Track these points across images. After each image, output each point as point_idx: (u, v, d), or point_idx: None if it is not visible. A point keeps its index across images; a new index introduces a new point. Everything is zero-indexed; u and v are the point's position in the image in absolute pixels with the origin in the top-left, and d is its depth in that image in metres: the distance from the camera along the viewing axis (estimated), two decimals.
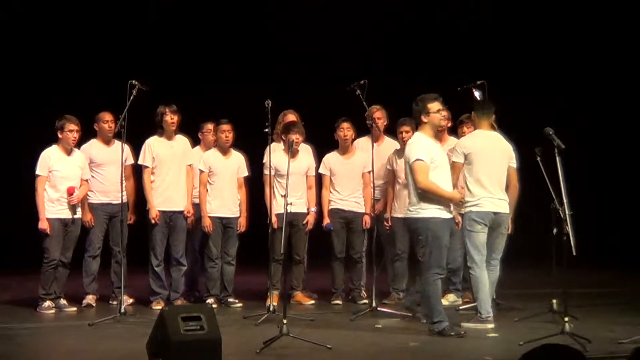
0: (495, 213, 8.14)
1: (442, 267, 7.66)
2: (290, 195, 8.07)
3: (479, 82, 8.99)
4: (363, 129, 9.72)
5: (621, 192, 13.23)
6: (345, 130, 9.64)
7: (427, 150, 7.63)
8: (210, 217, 9.34)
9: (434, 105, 7.70)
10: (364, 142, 9.75)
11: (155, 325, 6.45)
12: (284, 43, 13.05)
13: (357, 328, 8.24)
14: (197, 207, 9.43)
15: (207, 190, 9.39)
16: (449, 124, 9.68)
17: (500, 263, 8.26)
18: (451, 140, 9.62)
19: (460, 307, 9.17)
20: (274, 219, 9.02)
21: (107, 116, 9.35)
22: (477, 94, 8.92)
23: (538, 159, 8.22)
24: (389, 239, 9.74)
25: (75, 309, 9.13)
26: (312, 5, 13.10)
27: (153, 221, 9.20)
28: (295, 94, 11.55)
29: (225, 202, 9.39)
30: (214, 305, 8.58)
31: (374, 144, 9.37)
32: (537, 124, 8.04)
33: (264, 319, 8.27)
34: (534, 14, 13.21)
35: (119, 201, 8.92)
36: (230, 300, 9.40)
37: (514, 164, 8.31)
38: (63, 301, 9.08)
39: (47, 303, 8.94)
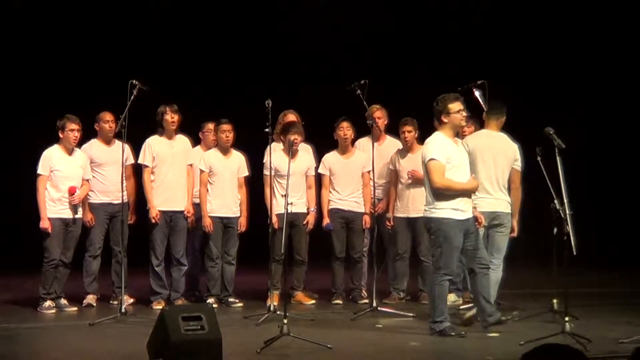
0: (492, 212, 8.15)
1: (451, 268, 7.63)
2: (290, 196, 8.08)
3: (479, 82, 9.00)
4: (363, 128, 9.72)
5: (621, 192, 13.22)
6: (345, 129, 9.64)
7: (443, 150, 7.61)
8: (210, 216, 9.34)
9: (455, 106, 7.67)
10: (365, 142, 9.76)
11: (155, 325, 6.45)
12: (284, 43, 13.04)
13: (358, 328, 8.25)
14: (197, 206, 9.43)
15: (207, 190, 9.39)
16: None
17: (503, 263, 8.25)
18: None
19: (461, 307, 9.17)
20: (274, 219, 9.02)
21: (107, 116, 9.35)
22: (477, 93, 8.92)
23: (538, 158, 8.20)
24: (391, 239, 9.75)
25: (75, 308, 9.13)
26: (312, 5, 13.09)
27: (153, 221, 9.20)
28: (295, 94, 11.54)
29: (226, 202, 9.39)
30: (215, 305, 8.58)
31: (376, 144, 9.39)
32: (537, 123, 8.04)
33: (264, 318, 8.27)
34: (534, 13, 13.20)
35: (120, 201, 8.93)
36: (231, 300, 9.40)
37: (517, 166, 8.30)
38: (63, 301, 9.08)
39: (48, 303, 8.94)
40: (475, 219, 7.82)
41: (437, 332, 7.60)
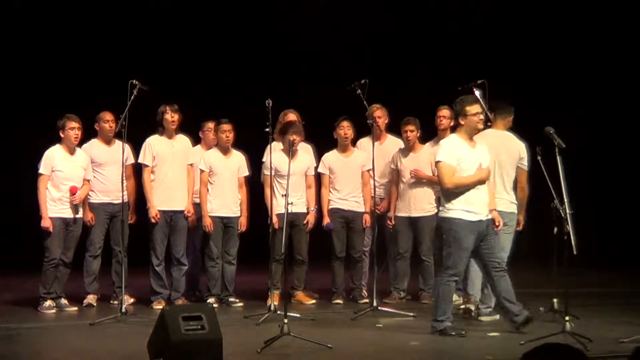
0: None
1: (459, 269, 7.61)
2: (290, 196, 8.08)
3: (479, 82, 9.00)
4: (364, 128, 9.72)
5: (621, 191, 13.22)
6: (346, 129, 9.64)
7: (453, 152, 7.61)
8: (210, 216, 9.34)
9: (472, 108, 7.65)
10: (366, 142, 9.75)
11: (156, 325, 6.45)
12: (284, 43, 13.04)
13: (358, 327, 8.25)
14: (197, 206, 9.43)
15: (207, 189, 9.39)
16: (452, 123, 9.69)
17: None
18: None
19: (461, 307, 9.17)
20: (274, 219, 9.02)
21: (107, 116, 9.35)
22: (477, 93, 8.92)
23: (539, 158, 8.21)
24: (392, 238, 9.75)
25: (76, 308, 9.13)
26: (312, 5, 13.09)
27: (153, 220, 9.20)
28: (295, 94, 11.54)
29: (226, 201, 9.39)
30: (215, 305, 8.58)
31: (377, 143, 9.41)
32: (537, 123, 8.04)
33: (264, 318, 8.27)
34: (534, 13, 13.20)
35: (120, 201, 8.93)
36: (231, 299, 9.40)
37: (523, 165, 8.28)
38: (64, 301, 9.08)
39: (48, 302, 8.94)
40: (493, 221, 7.76)
41: (437, 330, 7.60)
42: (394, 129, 9.93)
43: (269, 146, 8.93)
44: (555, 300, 8.45)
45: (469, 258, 7.68)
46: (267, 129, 8.50)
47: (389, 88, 11.20)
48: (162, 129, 9.34)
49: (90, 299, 9.33)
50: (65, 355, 7.26)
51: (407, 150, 9.65)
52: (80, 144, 9.23)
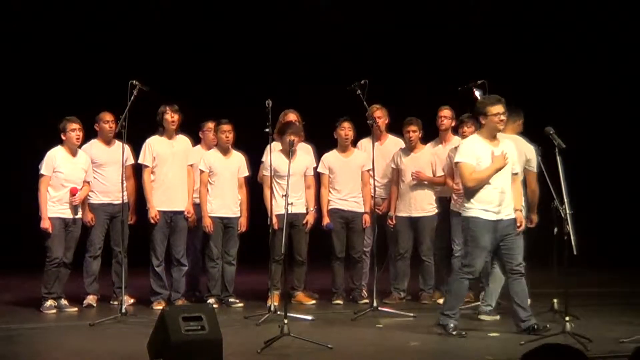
0: None
1: (475, 268, 7.60)
2: (290, 196, 8.08)
3: (479, 82, 9.00)
4: (364, 128, 9.72)
5: (622, 191, 13.22)
6: (347, 130, 9.63)
7: (472, 152, 7.60)
8: (210, 217, 9.33)
9: (494, 109, 7.62)
10: (366, 142, 9.74)
11: (156, 325, 6.46)
12: (284, 43, 13.04)
13: (358, 328, 8.25)
14: (197, 207, 9.42)
15: (207, 190, 9.39)
16: (453, 124, 9.70)
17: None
18: (455, 139, 9.64)
19: (461, 307, 9.16)
20: (274, 220, 9.01)
21: (107, 116, 9.35)
22: (477, 93, 8.93)
23: (539, 158, 8.21)
24: (392, 238, 9.75)
25: (76, 309, 9.13)
26: (312, 5, 13.09)
27: (153, 221, 9.20)
28: (295, 94, 11.54)
29: (226, 202, 9.39)
30: (215, 305, 8.57)
31: (377, 143, 9.42)
32: (537, 123, 8.04)
33: (264, 319, 8.27)
34: (534, 13, 13.20)
35: (120, 201, 8.93)
36: (231, 300, 9.40)
37: (530, 167, 8.20)
38: (64, 301, 9.08)
39: (50, 302, 8.94)
40: (515, 221, 7.70)
41: (441, 325, 7.64)
42: (394, 129, 9.93)
43: (268, 146, 8.93)
44: (555, 300, 8.47)
45: (487, 257, 7.64)
46: (267, 129, 8.50)
47: (389, 88, 11.20)
48: (162, 129, 9.34)
49: (90, 299, 9.33)
50: (66, 355, 7.27)
51: (408, 150, 9.65)
52: (80, 145, 9.23)
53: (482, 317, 8.36)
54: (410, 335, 7.72)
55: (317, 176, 9.66)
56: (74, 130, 9.00)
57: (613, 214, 13.12)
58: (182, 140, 9.46)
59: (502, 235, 7.61)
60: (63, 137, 9.03)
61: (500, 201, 7.58)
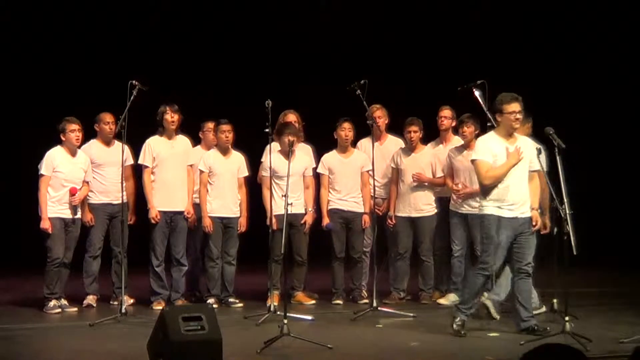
0: None
1: (490, 264, 7.56)
2: (289, 197, 8.07)
3: (479, 82, 9.00)
4: (364, 129, 9.72)
5: (621, 191, 13.22)
6: (347, 130, 9.63)
7: (488, 149, 7.60)
8: (210, 217, 9.33)
9: (509, 107, 7.59)
10: (366, 142, 9.74)
11: (156, 325, 6.46)
12: (284, 43, 13.04)
13: (358, 328, 8.25)
14: (197, 207, 9.42)
15: (207, 190, 9.39)
16: (453, 124, 9.70)
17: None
18: (455, 139, 9.64)
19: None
20: (273, 220, 9.01)
21: (108, 117, 9.34)
22: (477, 93, 8.93)
23: (539, 158, 8.19)
24: (391, 238, 9.75)
25: (76, 309, 9.12)
26: (312, 5, 13.09)
27: (153, 221, 9.20)
28: (295, 94, 11.54)
29: (226, 202, 9.38)
30: (215, 306, 8.57)
31: (377, 143, 9.42)
32: (537, 123, 8.04)
33: (264, 319, 8.27)
34: (534, 13, 13.20)
35: (120, 201, 8.92)
36: (231, 300, 9.40)
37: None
38: (64, 301, 9.07)
39: (53, 303, 8.93)
40: (530, 220, 7.65)
41: (453, 315, 7.72)
42: (394, 129, 9.93)
43: (267, 147, 8.92)
44: (555, 300, 8.47)
45: (504, 254, 7.59)
46: (267, 130, 8.49)
47: (389, 88, 11.19)
48: (162, 129, 9.34)
49: (90, 299, 9.33)
50: (66, 355, 7.27)
51: (408, 150, 9.65)
52: (80, 145, 9.22)
53: (486, 302, 8.26)
54: (410, 336, 7.72)
55: (317, 177, 9.66)
56: (73, 131, 8.99)
57: (613, 214, 13.12)
58: (182, 140, 9.46)
59: (516, 233, 7.58)
60: (62, 138, 9.03)
61: (516, 199, 7.56)
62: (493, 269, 7.67)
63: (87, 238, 9.32)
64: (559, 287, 8.19)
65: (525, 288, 7.69)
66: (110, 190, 9.25)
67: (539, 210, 7.76)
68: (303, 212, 9.43)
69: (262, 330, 7.75)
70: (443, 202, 9.63)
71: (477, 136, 9.37)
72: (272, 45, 13.01)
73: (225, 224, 9.40)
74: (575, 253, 7.22)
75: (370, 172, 9.35)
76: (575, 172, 8.34)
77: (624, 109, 13.21)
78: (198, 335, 6.30)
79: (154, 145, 9.30)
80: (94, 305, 9.31)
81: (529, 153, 7.65)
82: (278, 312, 8.22)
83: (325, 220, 9.58)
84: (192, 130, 9.82)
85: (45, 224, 8.86)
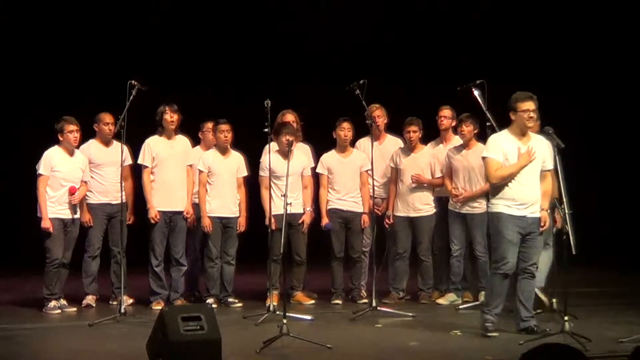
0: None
1: (503, 261, 7.48)
2: (287, 197, 8.07)
3: (478, 82, 8.99)
4: (363, 129, 9.72)
5: (621, 191, 13.22)
6: (346, 130, 9.63)
7: (499, 147, 7.54)
8: (209, 217, 9.33)
9: (523, 105, 7.52)
10: (365, 142, 9.74)
11: (155, 325, 6.46)
12: (283, 43, 13.04)
13: (357, 328, 8.24)
14: (196, 207, 9.42)
15: (206, 190, 9.39)
16: (453, 123, 9.70)
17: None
18: (455, 139, 9.63)
19: (460, 307, 9.18)
20: (272, 220, 9.00)
21: (107, 118, 9.33)
22: (476, 93, 8.92)
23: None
24: (390, 238, 9.75)
25: (75, 309, 9.12)
26: (311, 5, 13.09)
27: (153, 221, 9.20)
28: (295, 94, 11.54)
29: (225, 202, 9.38)
30: (214, 305, 8.58)
31: (376, 143, 9.41)
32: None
33: (264, 318, 8.27)
34: (534, 12, 13.20)
35: (118, 201, 8.92)
36: (230, 300, 9.39)
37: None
38: (63, 301, 9.07)
39: (53, 303, 8.92)
40: (539, 220, 7.58)
41: (481, 319, 7.67)
42: (394, 129, 9.92)
43: (266, 147, 8.92)
44: (554, 300, 8.46)
45: (516, 251, 7.50)
46: (266, 130, 8.49)
47: (389, 88, 11.19)
48: (161, 129, 9.33)
49: (90, 299, 9.32)
50: (65, 355, 7.28)
51: (408, 150, 9.65)
52: (79, 144, 9.22)
53: (538, 292, 8.22)
54: (409, 335, 7.71)
55: (316, 177, 9.65)
56: (71, 131, 8.99)
57: (613, 213, 13.11)
58: (182, 140, 9.46)
59: (525, 232, 7.52)
60: (60, 138, 9.02)
61: (525, 198, 7.49)
62: (509, 266, 7.51)
63: (86, 238, 9.32)
64: (558, 286, 8.18)
65: (528, 288, 7.66)
66: (109, 190, 9.25)
67: (548, 211, 7.70)
68: (302, 211, 9.42)
69: (261, 330, 7.75)
70: (442, 202, 9.63)
71: (476, 136, 9.41)
72: (272, 45, 13.01)
73: (224, 223, 9.39)
74: (574, 253, 7.22)
75: (370, 172, 9.34)
76: (575, 171, 8.35)
77: (624, 109, 13.20)
78: (197, 335, 6.30)
79: (153, 145, 9.30)
80: (93, 305, 9.31)
81: (542, 153, 7.56)
82: (277, 312, 8.22)
83: (325, 220, 9.58)
84: (191, 130, 9.81)
85: (46, 224, 8.86)
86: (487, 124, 8.87)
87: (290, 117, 9.69)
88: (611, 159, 13.20)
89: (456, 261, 9.44)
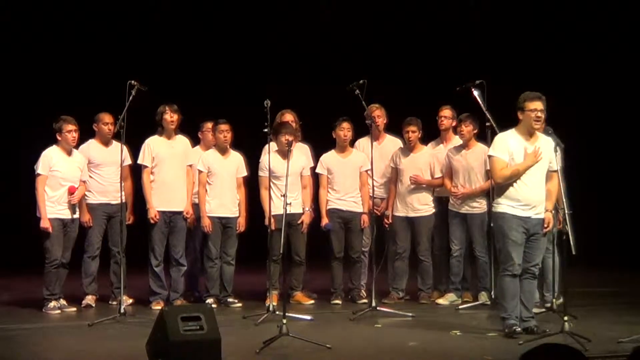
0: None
1: (510, 263, 7.45)
2: (287, 197, 8.07)
3: (477, 82, 9.00)
4: (362, 129, 9.72)
5: (621, 191, 13.21)
6: (346, 130, 9.62)
7: (505, 147, 7.50)
8: (209, 217, 9.32)
9: (530, 104, 7.46)
10: (364, 142, 9.75)
11: (154, 325, 6.46)
12: (283, 43, 13.03)
13: (357, 328, 8.24)
14: (196, 207, 9.42)
15: (206, 190, 9.38)
16: (454, 123, 9.69)
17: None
18: (456, 139, 9.63)
19: (460, 307, 9.17)
20: (272, 220, 9.00)
21: (107, 118, 9.33)
22: (476, 93, 8.93)
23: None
24: (390, 238, 9.75)
25: (74, 309, 9.12)
26: (311, 5, 13.09)
27: (152, 221, 9.19)
28: (294, 94, 11.53)
29: (225, 202, 9.38)
30: (214, 305, 8.58)
31: (375, 143, 9.40)
32: None
33: (263, 318, 8.27)
34: (534, 12, 13.20)
35: (118, 201, 8.92)
36: (230, 300, 9.39)
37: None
38: (63, 301, 9.07)
39: (53, 303, 8.92)
40: (543, 221, 7.53)
41: (504, 331, 7.55)
42: (393, 129, 9.92)
43: (266, 147, 8.92)
44: (554, 299, 8.46)
45: (521, 252, 7.46)
46: (266, 130, 8.49)
47: (388, 88, 11.18)
48: (161, 129, 9.33)
49: (89, 299, 9.32)
50: (64, 355, 7.27)
51: (407, 150, 9.65)
52: (78, 144, 9.22)
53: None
54: (408, 335, 7.71)
55: (316, 177, 9.65)
56: (70, 131, 8.99)
57: (613, 214, 13.11)
58: (181, 140, 9.46)
59: (530, 233, 7.48)
60: (58, 137, 9.02)
61: (530, 198, 7.45)
62: (516, 267, 7.47)
63: (85, 238, 9.31)
64: (558, 287, 8.18)
65: (529, 288, 7.63)
66: (109, 190, 9.25)
67: (552, 212, 7.66)
68: (301, 211, 9.42)
69: (261, 330, 7.75)
70: (442, 202, 9.62)
71: (475, 136, 9.41)
72: (272, 45, 13.01)
73: (224, 224, 9.39)
74: (574, 253, 7.21)
75: (369, 172, 9.34)
76: (575, 171, 8.36)
77: (624, 109, 13.19)
78: (197, 335, 6.30)
79: (153, 145, 9.30)
80: (93, 305, 9.31)
81: (548, 153, 7.51)
82: (277, 312, 8.22)
83: (324, 221, 9.57)
84: (191, 130, 9.81)
85: (45, 224, 8.85)
86: (487, 124, 8.89)
87: (289, 116, 9.69)
88: (611, 159, 13.19)
89: (456, 261, 9.44)
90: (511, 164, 7.48)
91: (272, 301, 8.67)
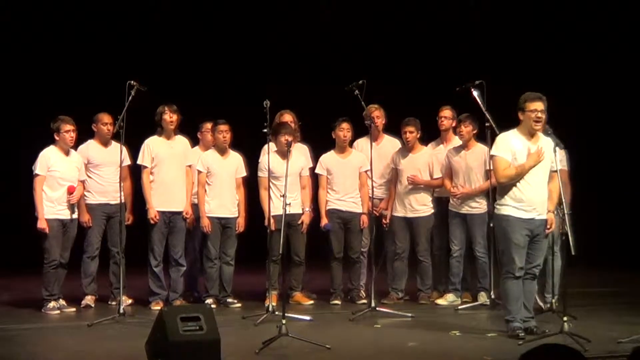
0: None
1: (512, 265, 7.43)
2: (286, 197, 8.07)
3: (477, 82, 8.99)
4: (361, 129, 9.72)
5: (621, 191, 13.21)
6: (345, 130, 9.62)
7: (507, 146, 7.49)
8: (208, 217, 9.32)
9: (531, 105, 7.44)
10: (363, 142, 9.75)
11: (154, 325, 6.46)
12: (282, 43, 13.03)
13: (356, 328, 8.24)
14: (196, 207, 9.42)
15: (205, 190, 9.38)
16: (454, 124, 9.69)
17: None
18: (456, 140, 9.63)
19: (459, 307, 9.17)
20: (271, 221, 9.00)
21: (106, 118, 9.33)
22: (475, 93, 8.93)
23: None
24: (389, 239, 9.74)
25: (74, 309, 9.12)
26: (311, 5, 13.09)
27: (152, 221, 9.19)
28: (294, 94, 11.53)
29: (224, 202, 9.37)
30: (213, 306, 8.58)
31: (374, 143, 9.39)
32: None
33: (263, 319, 8.27)
34: (534, 12, 13.20)
35: (117, 202, 8.92)
36: (229, 300, 9.39)
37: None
38: (62, 302, 9.06)
39: (52, 304, 8.92)
40: (546, 222, 7.51)
41: (509, 334, 7.51)
42: (393, 129, 9.91)
43: (265, 147, 8.91)
44: (553, 300, 8.46)
45: (524, 254, 7.44)
46: (265, 130, 8.48)
47: (388, 88, 11.18)
48: (160, 129, 9.33)
49: (88, 300, 9.31)
50: (64, 356, 7.28)
51: (406, 150, 9.65)
52: (77, 145, 9.22)
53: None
54: (408, 336, 7.71)
55: (315, 177, 9.65)
56: (68, 131, 8.99)
57: (613, 214, 13.11)
58: (181, 140, 9.45)
59: (534, 234, 7.46)
60: (56, 137, 9.02)
61: (533, 199, 7.44)
62: (519, 270, 7.45)
63: (84, 239, 9.31)
64: (558, 287, 8.17)
65: (529, 289, 7.62)
66: (108, 190, 9.25)
67: (554, 213, 7.65)
68: (300, 212, 9.42)
69: (260, 331, 7.74)
70: (442, 203, 9.62)
71: (475, 136, 9.41)
72: (271, 45, 13.01)
73: (223, 224, 9.39)
74: (573, 253, 7.21)
75: (369, 173, 9.34)
76: (575, 171, 8.34)
77: (624, 109, 13.19)
78: (196, 336, 6.30)
79: (152, 145, 9.29)
80: (92, 305, 9.30)
81: (551, 153, 7.49)
82: (276, 312, 8.22)
83: (324, 221, 9.57)
84: (190, 130, 9.81)
85: (42, 224, 8.85)
86: (487, 124, 8.89)
87: (288, 117, 9.68)
88: (611, 159, 13.19)
89: (455, 261, 9.44)
90: (514, 163, 7.46)
91: (272, 301, 8.67)
